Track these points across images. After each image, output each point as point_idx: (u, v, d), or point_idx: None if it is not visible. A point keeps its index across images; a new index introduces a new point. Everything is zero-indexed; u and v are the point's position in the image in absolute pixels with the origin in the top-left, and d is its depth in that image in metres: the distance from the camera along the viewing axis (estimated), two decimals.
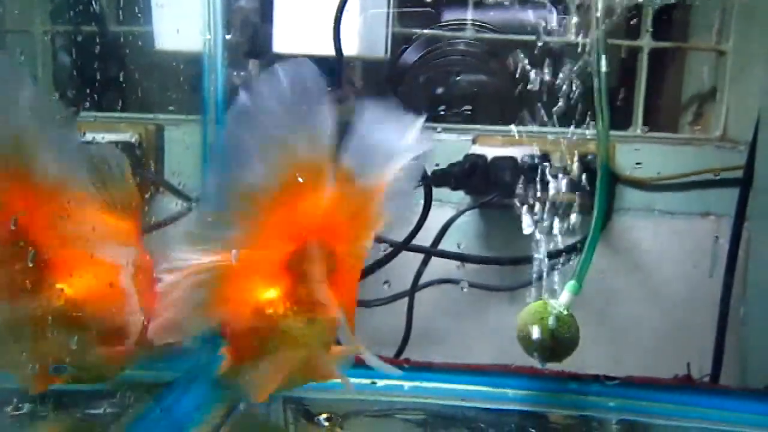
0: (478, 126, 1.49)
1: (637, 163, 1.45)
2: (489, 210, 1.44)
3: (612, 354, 1.48)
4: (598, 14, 0.97)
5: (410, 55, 1.46)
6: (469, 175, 1.35)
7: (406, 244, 1.17)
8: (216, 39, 1.07)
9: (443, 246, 1.37)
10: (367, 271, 1.15)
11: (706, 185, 1.49)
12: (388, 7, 1.23)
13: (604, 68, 1.01)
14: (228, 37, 1.06)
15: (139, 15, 1.11)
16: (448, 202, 1.47)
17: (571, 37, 1.37)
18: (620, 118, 1.55)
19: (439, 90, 1.49)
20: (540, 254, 1.11)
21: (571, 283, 0.97)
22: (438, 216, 1.40)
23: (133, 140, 1.44)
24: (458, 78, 1.47)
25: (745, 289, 1.40)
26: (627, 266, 1.53)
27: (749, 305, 1.39)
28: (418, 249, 1.27)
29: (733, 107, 1.53)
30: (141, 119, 1.44)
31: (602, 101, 0.99)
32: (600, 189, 0.99)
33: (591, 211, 1.20)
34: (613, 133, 1.49)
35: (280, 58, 1.21)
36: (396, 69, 1.43)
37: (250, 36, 1.15)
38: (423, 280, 1.40)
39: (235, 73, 1.20)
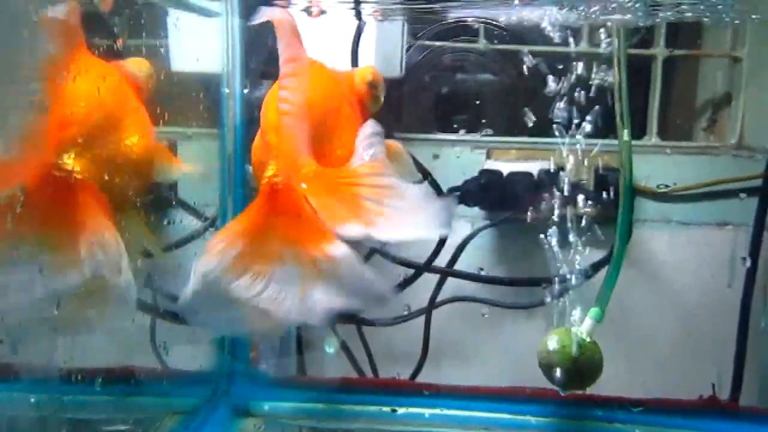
0: (491, 139, 1.47)
1: (664, 185, 1.43)
2: (505, 225, 1.43)
3: (629, 367, 1.47)
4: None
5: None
6: (485, 191, 1.34)
7: (428, 266, 1.17)
8: (234, 64, 1.08)
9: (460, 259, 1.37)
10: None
11: (723, 195, 1.47)
12: (403, 30, 1.23)
13: (624, 83, 0.99)
14: (245, 91, 1.07)
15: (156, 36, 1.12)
16: (463, 216, 1.46)
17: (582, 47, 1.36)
18: (634, 128, 1.54)
19: (439, 94, 1.48)
20: (557, 274, 1.10)
21: (594, 310, 0.96)
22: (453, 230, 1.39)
23: None
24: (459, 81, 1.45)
25: (765, 301, 1.38)
26: (644, 277, 1.51)
27: None
28: (436, 270, 1.27)
29: (749, 114, 1.51)
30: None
31: (624, 120, 0.97)
32: (621, 222, 0.98)
33: (608, 223, 1.19)
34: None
35: None
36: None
37: (265, 58, 1.15)
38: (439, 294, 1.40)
39: (252, 94, 1.20)
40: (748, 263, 1.22)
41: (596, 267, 1.19)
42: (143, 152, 0.91)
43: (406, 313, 1.29)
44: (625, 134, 0.97)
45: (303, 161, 0.79)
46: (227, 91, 1.11)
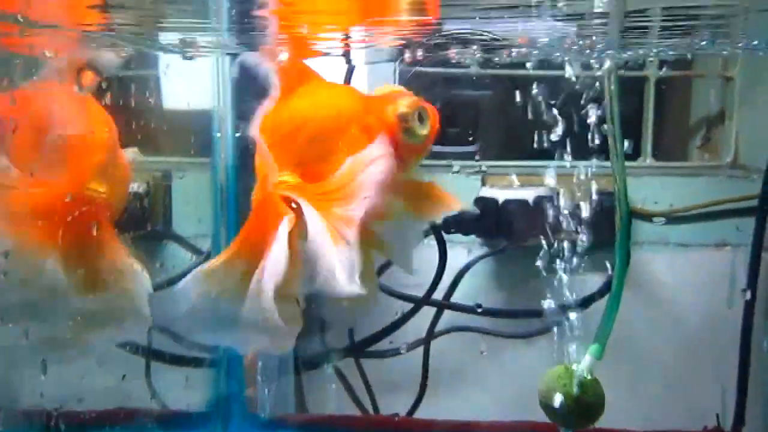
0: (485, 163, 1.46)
1: (663, 219, 1.43)
2: (501, 254, 1.42)
3: (631, 393, 1.46)
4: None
5: None
6: (481, 220, 1.33)
7: (427, 299, 1.16)
8: (225, 102, 1.09)
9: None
10: (388, 330, 1.16)
11: (720, 215, 1.46)
12: (395, 70, 1.22)
13: (617, 116, 0.98)
14: (237, 135, 1.08)
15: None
16: (459, 242, 1.44)
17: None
18: (629, 149, 1.53)
19: None
20: (555, 302, 1.09)
21: (594, 347, 0.95)
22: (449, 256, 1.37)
23: (140, 190, 1.42)
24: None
25: (766, 322, 1.37)
26: (644, 300, 1.50)
27: None
28: (434, 303, 1.26)
29: (743, 133, 1.51)
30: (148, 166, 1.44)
31: (619, 155, 0.96)
32: (619, 258, 0.97)
33: (607, 247, 1.18)
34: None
35: None
36: None
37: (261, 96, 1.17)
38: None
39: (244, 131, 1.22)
40: (748, 296, 1.21)
41: (588, 301, 1.18)
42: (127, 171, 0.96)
43: (403, 351, 1.28)
44: (618, 166, 0.96)
45: (280, 177, 0.79)
46: (218, 133, 1.12)
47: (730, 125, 1.53)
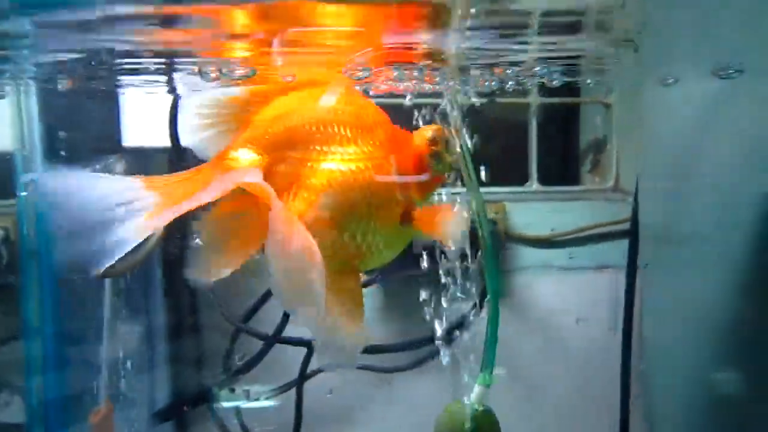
0: None
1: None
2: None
3: (523, 418, 1.45)
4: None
5: None
6: None
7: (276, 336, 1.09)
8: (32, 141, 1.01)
9: None
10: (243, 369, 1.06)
11: (601, 239, 1.50)
12: None
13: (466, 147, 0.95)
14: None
15: None
16: None
17: None
18: (516, 175, 1.55)
19: None
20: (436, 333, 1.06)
21: (481, 376, 0.92)
22: None
23: None
24: None
25: (641, 343, 1.40)
26: (529, 325, 1.50)
27: (647, 358, 1.39)
28: (282, 341, 1.20)
29: (623, 157, 1.56)
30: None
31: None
32: (490, 281, 0.95)
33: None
34: (507, 190, 1.52)
35: (130, 151, 1.16)
36: None
37: (97, 133, 1.12)
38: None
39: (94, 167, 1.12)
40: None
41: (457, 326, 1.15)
42: None
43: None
44: (476, 196, 0.95)
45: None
46: (24, 192, 1.03)
47: (611, 150, 1.57)
